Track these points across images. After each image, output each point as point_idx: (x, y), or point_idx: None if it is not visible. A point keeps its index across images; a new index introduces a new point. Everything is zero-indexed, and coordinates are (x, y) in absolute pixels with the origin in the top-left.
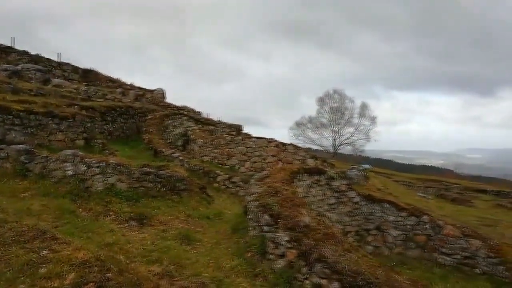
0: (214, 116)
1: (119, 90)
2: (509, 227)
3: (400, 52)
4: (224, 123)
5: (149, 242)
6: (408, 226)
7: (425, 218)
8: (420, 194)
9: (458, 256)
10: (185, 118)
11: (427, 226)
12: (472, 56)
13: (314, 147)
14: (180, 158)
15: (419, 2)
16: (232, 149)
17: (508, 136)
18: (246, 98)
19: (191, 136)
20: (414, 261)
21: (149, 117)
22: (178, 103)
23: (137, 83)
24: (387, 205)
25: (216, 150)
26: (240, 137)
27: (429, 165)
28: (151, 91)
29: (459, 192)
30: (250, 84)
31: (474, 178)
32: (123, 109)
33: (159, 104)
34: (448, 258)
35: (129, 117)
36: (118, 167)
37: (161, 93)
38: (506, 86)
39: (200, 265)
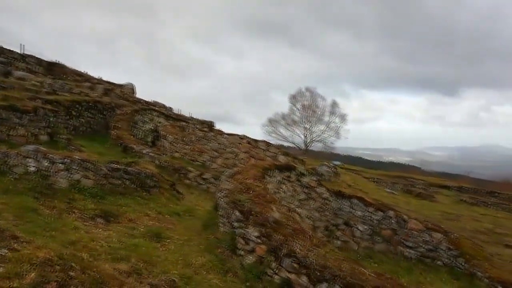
0: (186, 112)
1: (86, 84)
2: (470, 220)
3: (368, 52)
4: (196, 119)
5: (115, 239)
6: (375, 221)
7: (390, 213)
8: (388, 190)
9: (422, 249)
10: (156, 113)
11: (392, 220)
12: (435, 57)
13: (286, 144)
14: (150, 154)
15: (385, 3)
16: (204, 146)
17: (469, 134)
18: (219, 95)
19: (162, 132)
20: (380, 255)
21: (118, 112)
22: (148, 98)
23: (105, 78)
24: (356, 200)
25: (187, 147)
26: (212, 134)
27: (397, 162)
28: (121, 85)
29: (424, 187)
30: (222, 80)
31: (438, 175)
32: (90, 104)
33: (129, 99)
34: (412, 251)
35: (97, 112)
36: (84, 163)
37: (130, 88)
38: (468, 86)
39: (170, 262)
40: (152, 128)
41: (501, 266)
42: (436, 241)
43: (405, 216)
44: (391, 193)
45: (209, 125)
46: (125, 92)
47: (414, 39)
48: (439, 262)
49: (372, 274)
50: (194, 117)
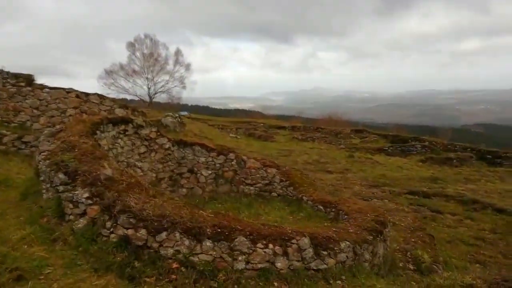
0: None
1: None
2: (301, 154)
3: None
4: (7, 73)
5: None
6: (218, 165)
7: (231, 155)
8: (232, 135)
9: (260, 185)
10: None
11: (233, 162)
12: (270, 4)
13: (130, 97)
14: None
15: None
16: (20, 103)
17: (301, 79)
18: (40, 43)
19: None
20: (224, 196)
21: None
22: None
23: None
24: (198, 147)
25: None
26: (29, 89)
27: (241, 108)
28: None
29: (265, 130)
30: (41, 25)
31: (277, 117)
32: None
33: None
34: (251, 188)
35: None
36: None
37: None
38: (300, 33)
39: None
40: None
41: (322, 189)
42: (271, 175)
43: (244, 157)
44: (234, 138)
45: (27, 78)
46: None
47: None
48: (274, 194)
49: (211, 215)
50: (5, 70)
